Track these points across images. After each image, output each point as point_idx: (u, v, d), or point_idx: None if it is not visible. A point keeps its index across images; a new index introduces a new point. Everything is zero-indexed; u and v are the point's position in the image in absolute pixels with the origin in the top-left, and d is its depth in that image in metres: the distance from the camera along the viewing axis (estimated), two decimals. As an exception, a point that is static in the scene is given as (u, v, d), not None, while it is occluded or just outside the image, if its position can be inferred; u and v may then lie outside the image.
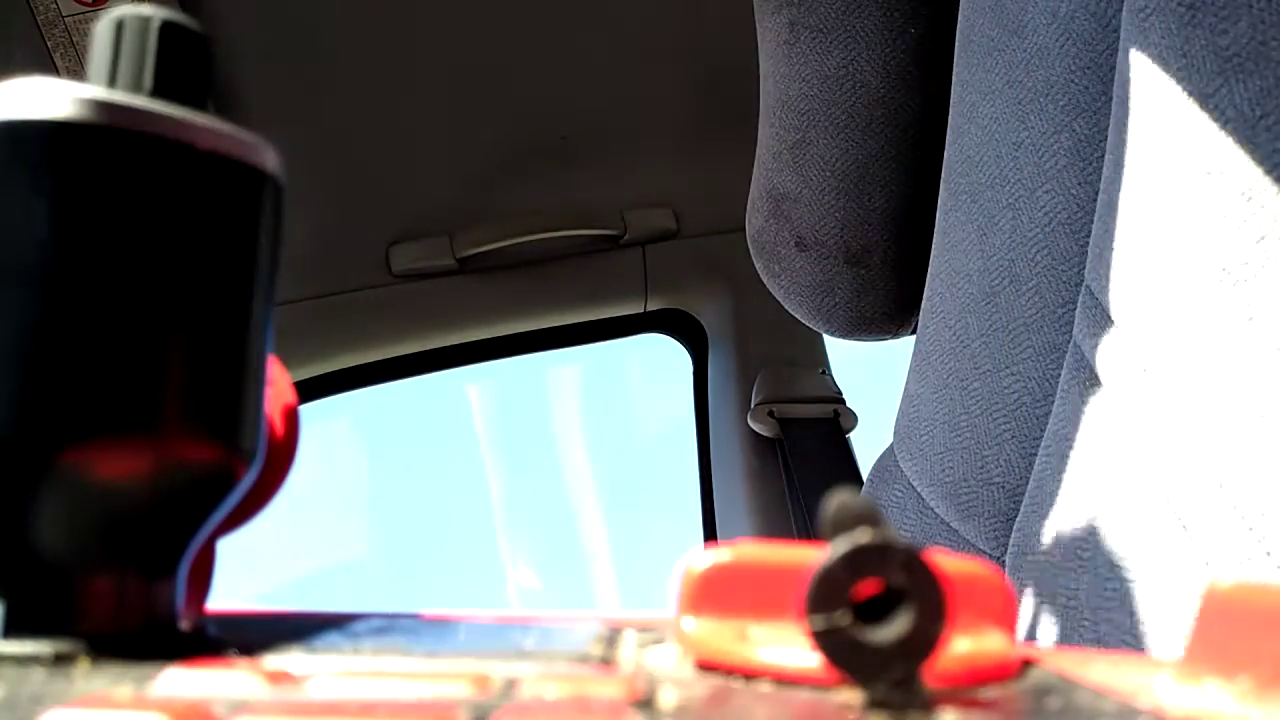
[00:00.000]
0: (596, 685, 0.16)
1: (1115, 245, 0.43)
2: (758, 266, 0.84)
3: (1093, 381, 0.45)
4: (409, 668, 0.17)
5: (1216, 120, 0.36)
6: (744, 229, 0.86)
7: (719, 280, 1.23)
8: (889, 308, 0.79)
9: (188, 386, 0.18)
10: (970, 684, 0.17)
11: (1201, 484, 0.37)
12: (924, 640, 0.15)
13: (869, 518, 0.16)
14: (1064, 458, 0.47)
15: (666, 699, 0.16)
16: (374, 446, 1.87)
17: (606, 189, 1.20)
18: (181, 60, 0.20)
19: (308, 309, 1.14)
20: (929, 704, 0.15)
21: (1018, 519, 0.53)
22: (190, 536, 0.20)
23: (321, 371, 1.16)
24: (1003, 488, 0.55)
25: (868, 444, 1.16)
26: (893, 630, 0.15)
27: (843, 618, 0.15)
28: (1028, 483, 0.53)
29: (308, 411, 1.19)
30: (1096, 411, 0.45)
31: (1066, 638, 0.45)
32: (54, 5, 0.93)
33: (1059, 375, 0.50)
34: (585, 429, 1.83)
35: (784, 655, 0.17)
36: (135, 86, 0.19)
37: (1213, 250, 0.36)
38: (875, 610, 0.15)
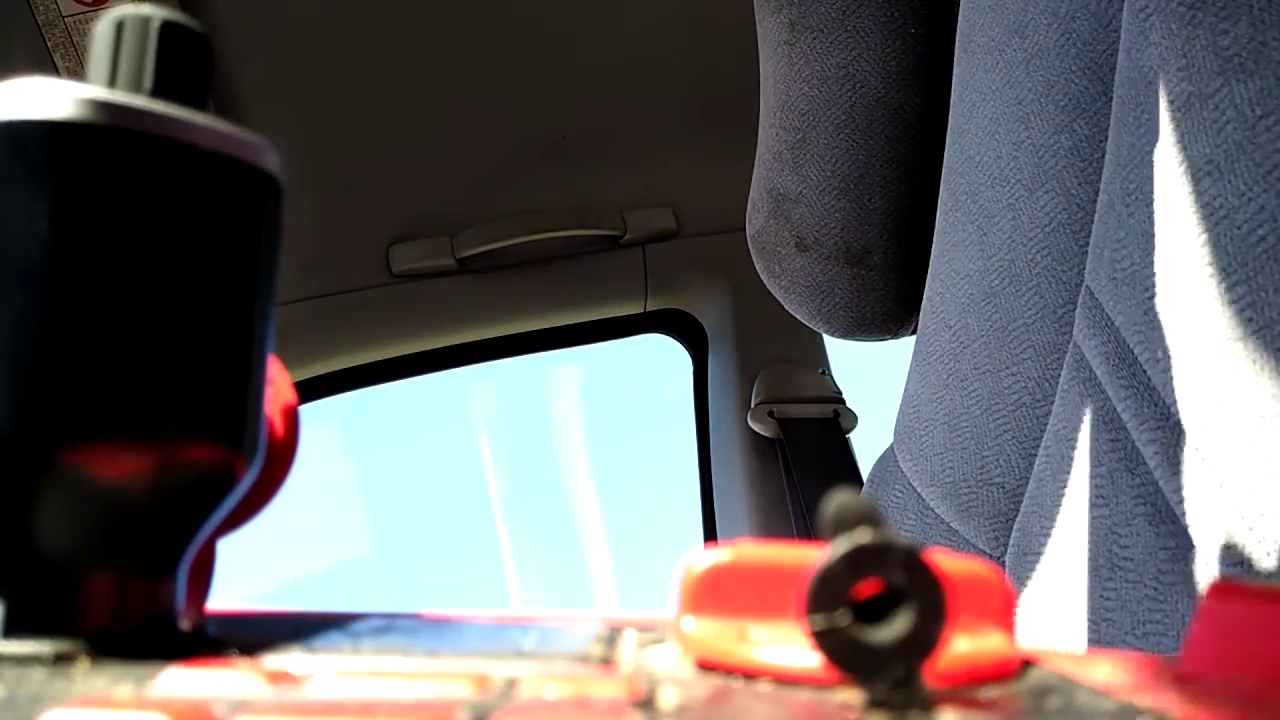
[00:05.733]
0: (596, 685, 0.16)
1: (1115, 245, 0.43)
2: (758, 266, 0.84)
3: (1093, 381, 0.45)
4: (409, 668, 0.17)
5: (1216, 120, 0.36)
6: (744, 229, 0.86)
7: (719, 280, 1.23)
8: (889, 308, 0.79)
9: (188, 386, 0.18)
10: (970, 684, 0.17)
11: (1201, 484, 0.37)
12: (924, 640, 0.15)
13: (869, 518, 0.16)
14: (1064, 458, 0.47)
15: (666, 699, 0.16)
16: (374, 446, 1.87)
17: (606, 189, 1.20)
18: (181, 60, 0.20)
19: (308, 309, 1.13)
20: (929, 704, 0.15)
21: (1018, 519, 0.53)
22: (190, 536, 0.20)
23: (321, 371, 1.16)
24: (1003, 488, 0.55)
25: (868, 444, 1.16)
26: (893, 630, 0.15)
27: (843, 618, 0.15)
28: (1028, 483, 0.53)
29: (308, 411, 1.19)
30: (1096, 411, 0.45)
31: (1066, 638, 0.45)
32: (54, 5, 0.93)
33: (1059, 375, 0.50)
34: (585, 429, 1.83)
35: (784, 655, 0.17)
36: (135, 86, 0.19)
37: (1213, 250, 0.36)
38: (875, 610, 0.15)
